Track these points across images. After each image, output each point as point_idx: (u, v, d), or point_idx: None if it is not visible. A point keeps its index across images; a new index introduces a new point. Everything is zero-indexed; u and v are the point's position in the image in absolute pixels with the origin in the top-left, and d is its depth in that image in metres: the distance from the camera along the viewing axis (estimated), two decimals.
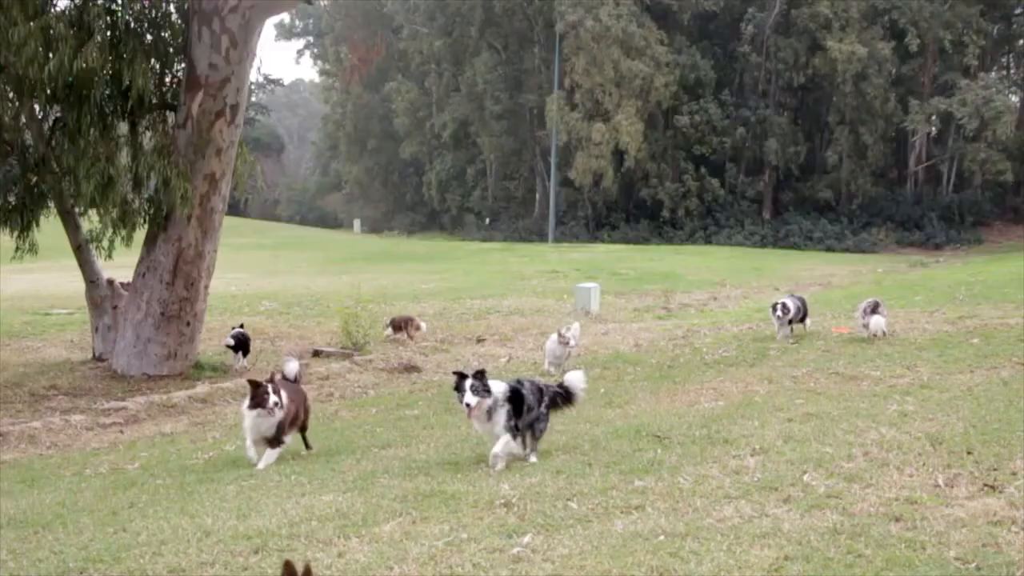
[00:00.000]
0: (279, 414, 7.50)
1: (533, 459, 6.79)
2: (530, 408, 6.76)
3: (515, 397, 6.67)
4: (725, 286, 27.69)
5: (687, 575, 4.24)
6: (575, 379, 7.18)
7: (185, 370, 14.48)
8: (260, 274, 31.86)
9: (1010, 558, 4.19)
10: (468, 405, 6.52)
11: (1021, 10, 53.04)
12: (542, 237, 54.62)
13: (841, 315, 16.28)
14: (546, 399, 6.93)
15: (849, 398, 8.41)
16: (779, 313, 13.46)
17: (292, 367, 8.54)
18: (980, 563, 4.15)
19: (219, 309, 20.25)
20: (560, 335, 12.34)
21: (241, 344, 15.09)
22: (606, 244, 49.01)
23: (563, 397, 7.11)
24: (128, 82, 13.52)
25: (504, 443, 6.60)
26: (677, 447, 6.75)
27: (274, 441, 7.67)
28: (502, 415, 6.61)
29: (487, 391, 6.54)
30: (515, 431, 6.65)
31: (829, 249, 47.95)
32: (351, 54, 61.48)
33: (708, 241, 51.21)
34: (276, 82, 78.87)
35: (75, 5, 13.87)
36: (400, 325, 17.41)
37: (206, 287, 14.93)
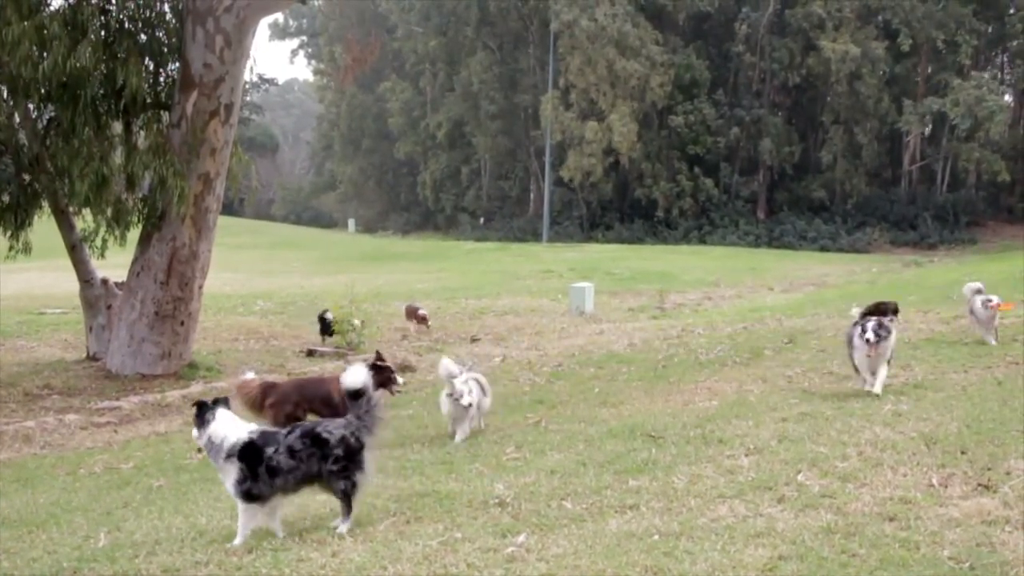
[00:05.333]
0: None
1: (343, 528, 5.20)
2: (279, 470, 5.09)
3: (248, 454, 5.09)
4: (719, 286, 27.76)
5: (681, 575, 4.24)
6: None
7: (179, 369, 14.48)
8: (254, 274, 31.84)
9: (1004, 558, 4.19)
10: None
11: (1014, 10, 53.05)
12: (537, 237, 54.53)
13: (836, 315, 16.27)
14: (338, 451, 5.20)
15: (843, 398, 8.41)
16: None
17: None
18: (974, 563, 4.15)
19: (213, 309, 20.23)
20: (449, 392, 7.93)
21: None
22: (600, 244, 49.01)
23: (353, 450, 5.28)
24: (122, 82, 13.52)
25: (243, 514, 5.18)
26: (671, 447, 6.74)
27: None
28: (231, 473, 5.11)
29: (204, 424, 5.23)
30: (251, 497, 5.12)
31: (823, 249, 47.98)
32: (345, 54, 61.22)
33: (702, 241, 51.19)
34: (270, 82, 78.82)
35: (69, 5, 13.85)
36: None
37: (200, 287, 14.92)
